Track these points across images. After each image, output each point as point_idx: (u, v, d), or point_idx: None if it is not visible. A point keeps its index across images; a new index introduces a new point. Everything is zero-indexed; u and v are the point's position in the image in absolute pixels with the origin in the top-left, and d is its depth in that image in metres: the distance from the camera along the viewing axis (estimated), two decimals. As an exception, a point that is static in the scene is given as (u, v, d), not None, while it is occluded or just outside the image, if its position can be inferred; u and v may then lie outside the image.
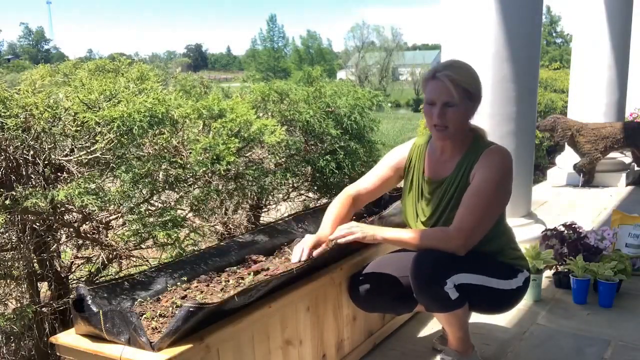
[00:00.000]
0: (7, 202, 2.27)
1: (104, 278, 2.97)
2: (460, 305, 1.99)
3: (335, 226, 2.10)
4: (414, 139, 2.30)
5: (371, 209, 2.74)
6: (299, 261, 1.97)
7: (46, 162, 2.52)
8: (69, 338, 1.64)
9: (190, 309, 1.52)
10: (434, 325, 2.60)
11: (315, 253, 2.00)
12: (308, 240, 2.04)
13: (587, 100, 5.87)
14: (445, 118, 1.97)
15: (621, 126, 5.62)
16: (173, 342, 1.53)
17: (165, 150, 2.76)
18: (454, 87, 1.94)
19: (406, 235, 2.04)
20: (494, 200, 1.99)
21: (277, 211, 4.45)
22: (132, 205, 2.64)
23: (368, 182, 2.25)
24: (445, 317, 2.06)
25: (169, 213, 2.67)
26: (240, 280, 2.02)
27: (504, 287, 2.07)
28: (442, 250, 1.95)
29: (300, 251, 2.00)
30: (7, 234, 2.59)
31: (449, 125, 1.98)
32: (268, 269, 2.11)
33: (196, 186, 2.98)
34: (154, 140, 2.71)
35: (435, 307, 2.02)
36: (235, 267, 2.17)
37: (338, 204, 2.19)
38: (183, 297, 1.84)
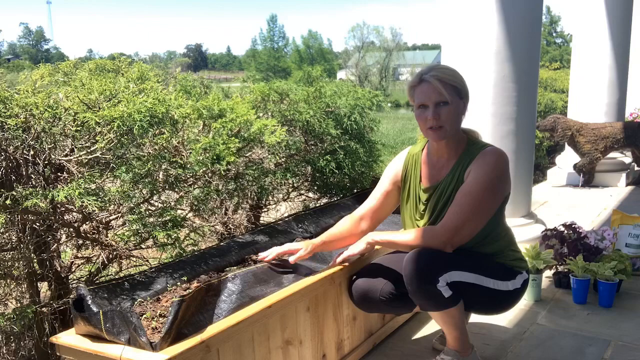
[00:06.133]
0: (7, 202, 2.27)
1: (104, 278, 2.97)
2: (454, 304, 2.00)
3: (324, 241, 2.18)
4: (409, 147, 2.31)
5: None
6: (263, 259, 2.08)
7: (46, 162, 2.51)
8: (69, 338, 1.64)
9: (181, 301, 1.54)
10: (434, 325, 2.60)
11: (291, 259, 2.09)
12: (283, 246, 2.14)
13: (587, 100, 5.88)
14: (440, 118, 2.00)
15: (621, 126, 5.62)
16: (173, 341, 1.53)
17: (165, 150, 2.76)
18: (444, 86, 1.99)
19: (396, 236, 2.12)
20: (484, 200, 2.01)
21: (277, 211, 4.45)
22: (132, 205, 2.64)
23: (372, 200, 2.31)
24: (440, 315, 2.06)
25: (169, 213, 2.67)
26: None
27: (500, 288, 2.08)
28: (430, 247, 1.98)
29: (269, 252, 2.10)
30: (7, 234, 2.59)
31: (444, 125, 2.01)
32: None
33: (196, 186, 2.98)
34: (154, 140, 2.71)
35: (429, 306, 2.03)
36: (235, 267, 2.17)
37: (338, 225, 2.28)
38: (183, 297, 1.85)
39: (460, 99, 2.03)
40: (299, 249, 2.09)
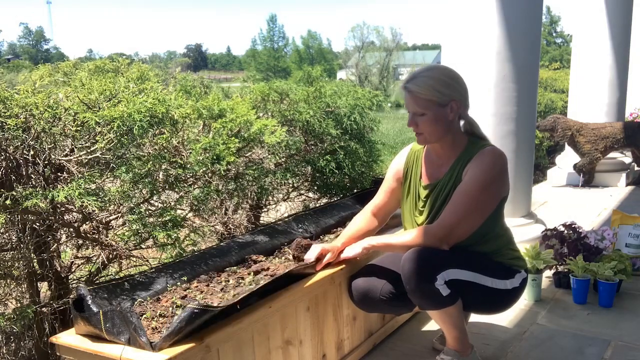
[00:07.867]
0: (7, 202, 2.27)
1: (104, 278, 2.97)
2: (452, 302, 2.00)
3: (346, 240, 2.23)
4: (412, 144, 2.32)
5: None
6: (310, 261, 2.07)
7: (46, 162, 2.52)
8: (69, 338, 1.64)
9: (195, 311, 1.52)
10: (434, 325, 2.60)
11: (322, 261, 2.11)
12: (319, 247, 2.14)
13: (587, 100, 5.87)
14: (418, 126, 2.05)
15: (621, 126, 5.62)
16: (173, 342, 1.53)
17: (165, 150, 2.76)
18: (415, 101, 2.02)
19: (392, 239, 2.13)
20: (480, 199, 2.02)
21: (277, 211, 4.46)
22: (132, 205, 2.64)
23: (378, 196, 2.35)
24: (439, 315, 2.06)
25: (169, 213, 2.67)
26: (241, 281, 2.02)
27: (499, 287, 2.08)
28: (426, 246, 2.00)
29: (315, 251, 2.10)
30: (7, 234, 2.59)
31: (422, 132, 2.06)
32: (268, 268, 2.12)
33: (196, 186, 2.98)
34: (154, 140, 2.71)
35: (427, 305, 2.03)
36: (235, 267, 2.17)
37: (355, 221, 2.33)
38: (183, 297, 1.84)
39: (441, 107, 2.01)
40: (329, 250, 2.14)
